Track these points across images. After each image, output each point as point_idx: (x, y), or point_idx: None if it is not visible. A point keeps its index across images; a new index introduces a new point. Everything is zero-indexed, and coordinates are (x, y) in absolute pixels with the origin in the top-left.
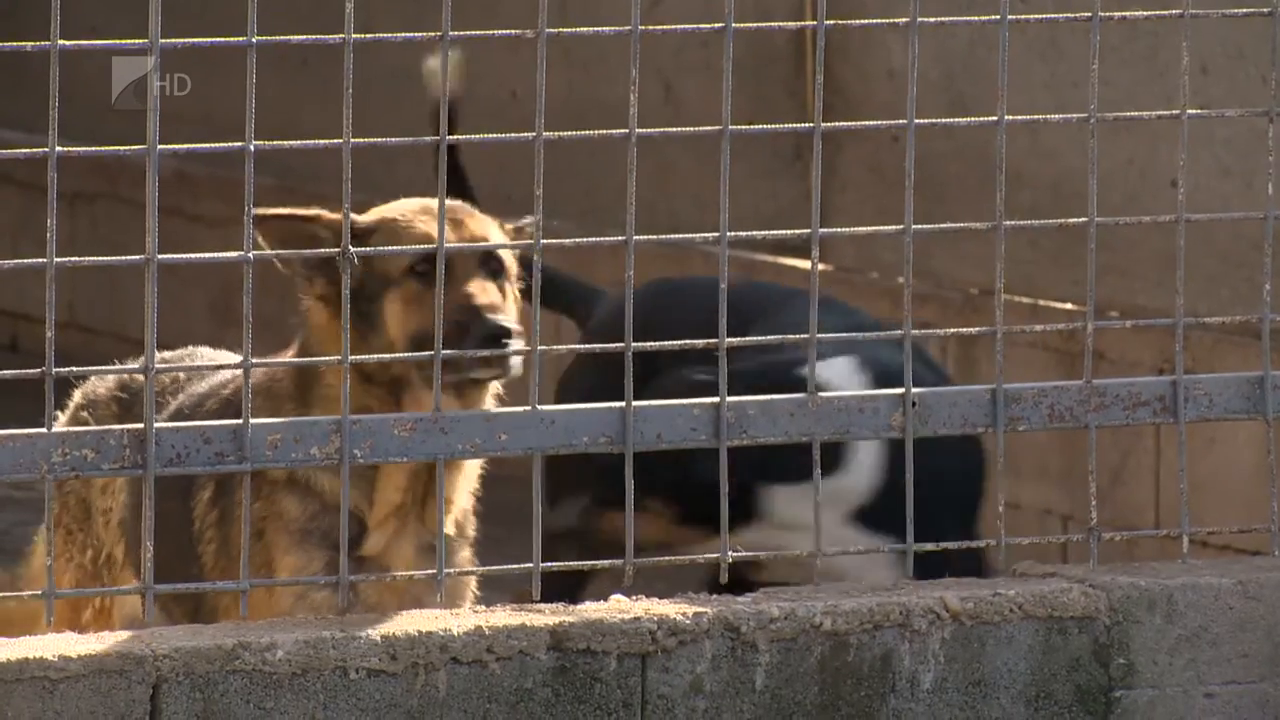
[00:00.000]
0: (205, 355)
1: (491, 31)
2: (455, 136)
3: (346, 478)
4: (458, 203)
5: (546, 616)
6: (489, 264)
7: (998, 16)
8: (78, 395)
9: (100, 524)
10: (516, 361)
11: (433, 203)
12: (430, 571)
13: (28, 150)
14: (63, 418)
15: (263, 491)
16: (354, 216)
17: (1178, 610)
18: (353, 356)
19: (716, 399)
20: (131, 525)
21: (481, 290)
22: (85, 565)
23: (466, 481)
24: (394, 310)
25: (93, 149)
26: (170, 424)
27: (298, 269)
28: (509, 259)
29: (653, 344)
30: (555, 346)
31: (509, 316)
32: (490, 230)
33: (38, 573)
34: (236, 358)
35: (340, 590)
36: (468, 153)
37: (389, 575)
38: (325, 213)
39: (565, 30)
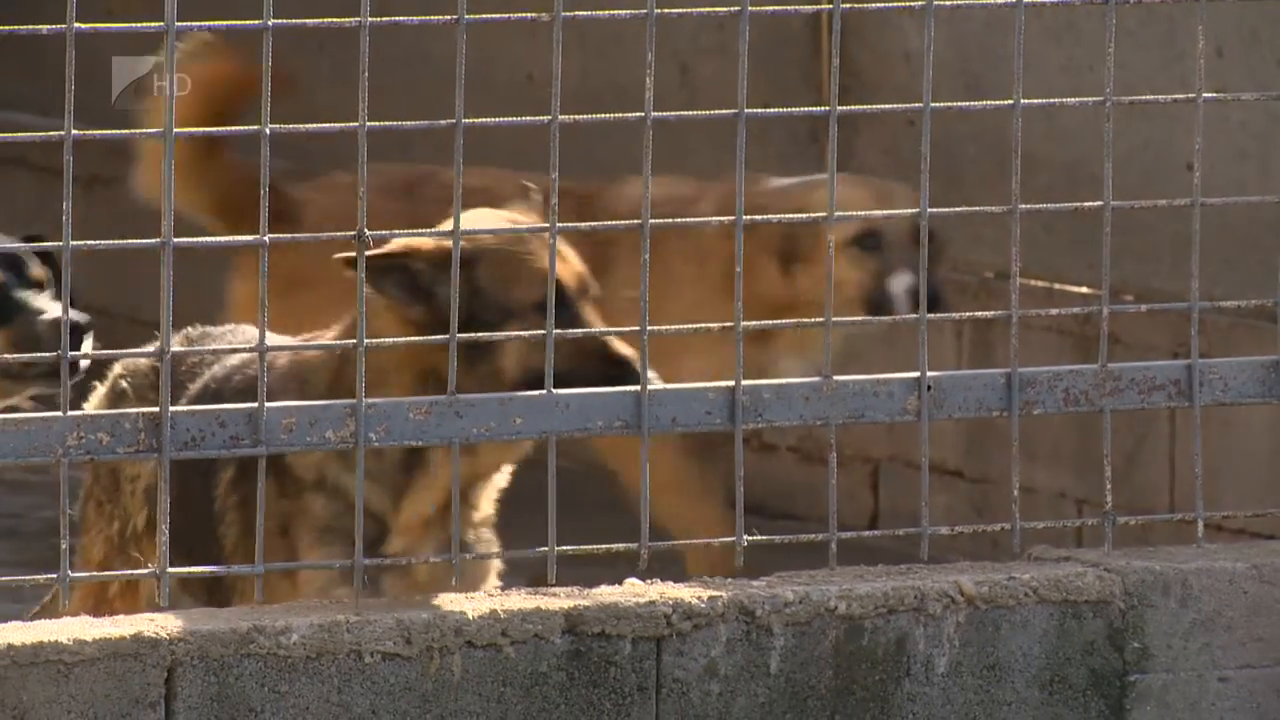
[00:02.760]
0: (246, 333)
1: (508, 15)
2: (471, 120)
3: (361, 460)
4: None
5: (561, 600)
6: (590, 297)
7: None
8: (118, 366)
9: (127, 492)
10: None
11: (509, 215)
12: (446, 555)
13: (44, 134)
14: (101, 388)
15: (288, 490)
16: (448, 242)
17: (1192, 594)
18: (369, 340)
19: (732, 383)
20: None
21: (620, 341)
22: (112, 538)
23: (493, 491)
24: (516, 343)
25: (108, 133)
26: (185, 407)
27: (392, 295)
28: None
29: (669, 327)
30: (571, 331)
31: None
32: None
33: (83, 549)
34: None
35: (355, 575)
36: (484, 135)
37: (404, 560)
38: (423, 244)
39: (581, 14)
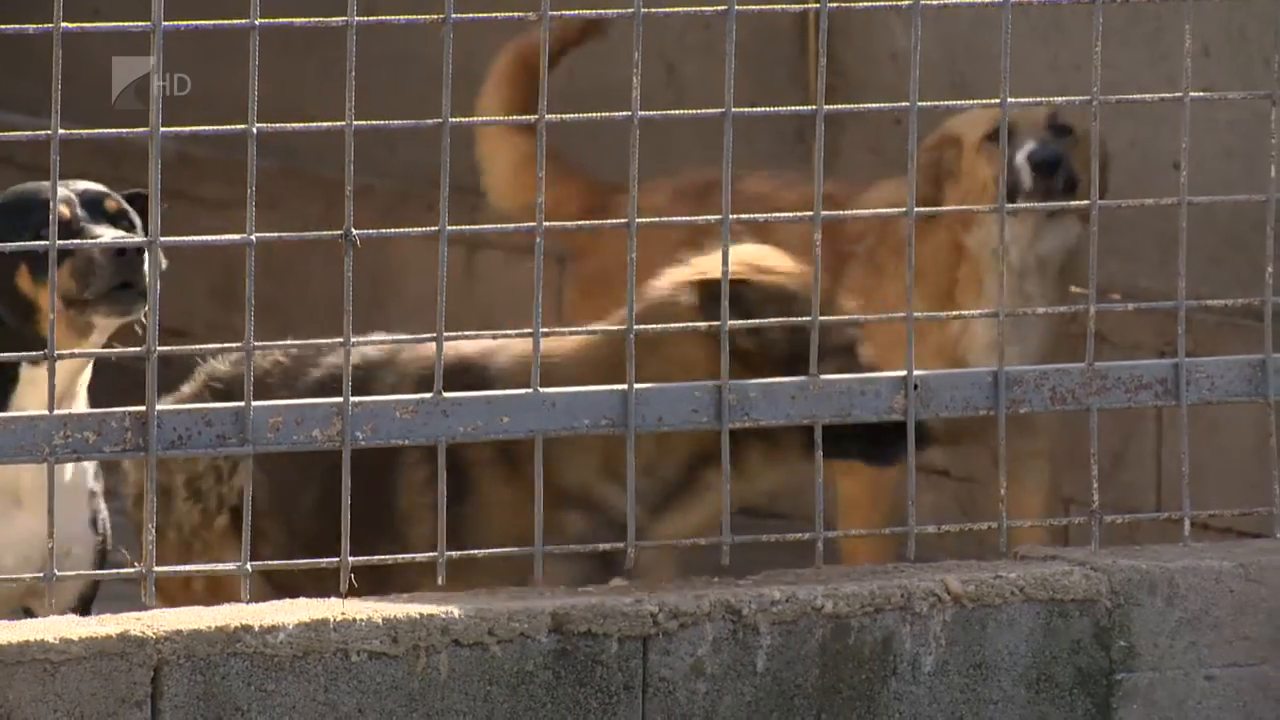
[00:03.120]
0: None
1: (495, 14)
2: (458, 119)
3: (348, 460)
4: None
5: (548, 599)
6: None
7: None
8: (199, 374)
9: (180, 499)
10: None
11: (765, 255)
12: (431, 555)
13: (30, 133)
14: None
15: (547, 501)
16: (762, 278)
17: (1179, 593)
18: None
19: (719, 381)
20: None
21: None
22: (170, 539)
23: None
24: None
25: (95, 131)
26: (172, 406)
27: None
28: None
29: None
30: (555, 330)
31: None
32: None
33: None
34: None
35: (342, 573)
36: (471, 134)
37: (380, 559)
38: (753, 274)
39: (567, 13)
